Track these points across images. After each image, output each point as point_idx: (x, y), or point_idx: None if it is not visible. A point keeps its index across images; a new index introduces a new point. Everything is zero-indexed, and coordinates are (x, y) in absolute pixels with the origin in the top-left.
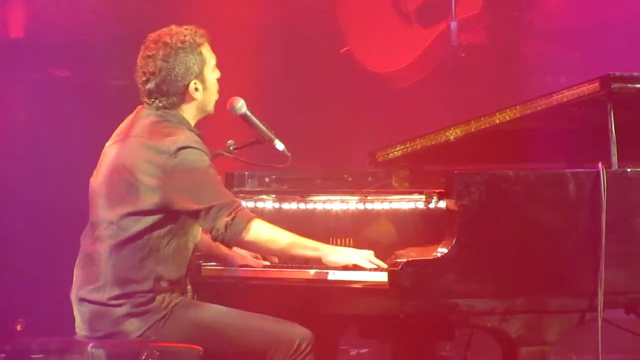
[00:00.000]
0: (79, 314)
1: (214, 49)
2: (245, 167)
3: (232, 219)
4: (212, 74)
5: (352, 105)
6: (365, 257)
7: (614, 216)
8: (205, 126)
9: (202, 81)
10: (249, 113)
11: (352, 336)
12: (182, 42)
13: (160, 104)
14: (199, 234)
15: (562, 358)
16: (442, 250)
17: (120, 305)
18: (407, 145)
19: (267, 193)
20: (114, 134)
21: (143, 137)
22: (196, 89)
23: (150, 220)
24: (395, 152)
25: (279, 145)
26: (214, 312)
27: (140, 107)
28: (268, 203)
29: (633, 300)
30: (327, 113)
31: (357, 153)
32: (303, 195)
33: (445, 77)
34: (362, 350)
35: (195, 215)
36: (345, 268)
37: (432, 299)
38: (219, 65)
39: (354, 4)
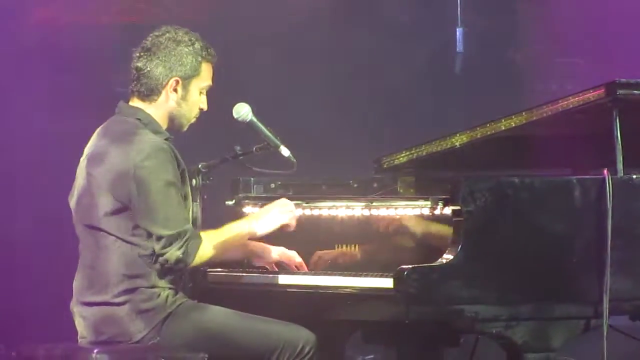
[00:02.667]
0: (83, 320)
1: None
2: (251, 173)
3: (183, 253)
4: (198, 93)
5: (358, 111)
6: (282, 209)
7: (620, 223)
8: (211, 131)
9: (184, 88)
10: (255, 119)
11: (358, 342)
12: (190, 41)
13: (140, 89)
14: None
15: None
16: (447, 257)
17: (124, 302)
18: (413, 151)
19: (273, 199)
20: (100, 131)
21: (119, 141)
22: (174, 90)
23: (131, 223)
24: (401, 158)
25: (285, 152)
26: (218, 314)
27: (121, 102)
28: None
29: (638, 306)
30: (332, 119)
31: (362, 159)
32: (308, 201)
33: (451, 84)
34: (368, 357)
35: (146, 232)
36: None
37: (437, 306)
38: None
39: None
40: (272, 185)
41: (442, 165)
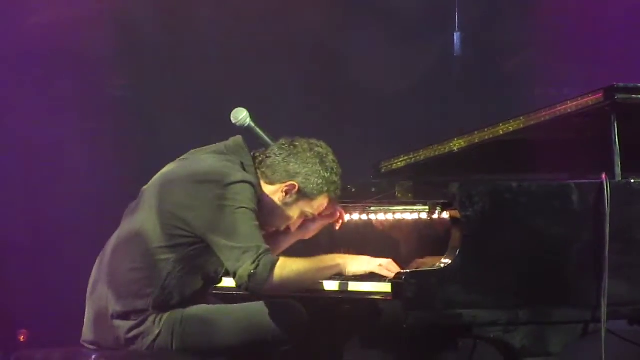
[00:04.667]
0: (88, 313)
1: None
2: None
3: (256, 268)
4: (299, 213)
5: (356, 116)
6: (384, 264)
7: (618, 227)
8: (209, 136)
9: (295, 199)
10: (252, 124)
11: (356, 347)
12: (332, 169)
13: (262, 167)
14: (217, 274)
15: None
16: (445, 261)
17: (118, 326)
18: (411, 156)
19: None
20: (211, 148)
21: (195, 162)
22: (286, 192)
23: (158, 242)
24: (399, 163)
25: None
26: (202, 310)
27: (255, 154)
28: None
29: (637, 311)
30: (330, 123)
31: (360, 164)
32: None
33: (448, 88)
34: None
35: (217, 249)
36: (364, 277)
37: (436, 310)
38: None
39: None
40: None
41: (440, 170)
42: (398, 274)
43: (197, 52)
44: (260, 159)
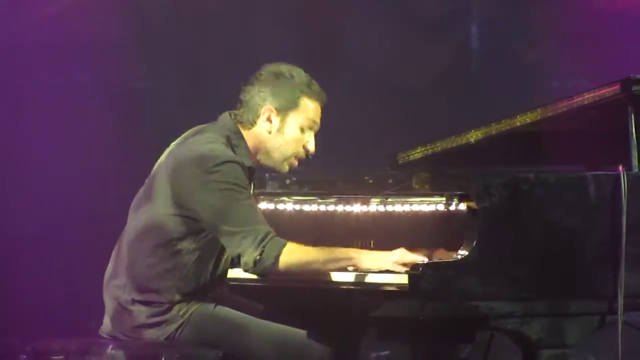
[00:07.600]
0: (106, 308)
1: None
2: (266, 169)
3: (261, 254)
4: (297, 128)
5: (373, 107)
6: (397, 260)
7: (634, 218)
8: None
9: (281, 120)
10: None
11: (372, 338)
12: (290, 75)
13: (241, 118)
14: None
15: None
16: (462, 253)
17: (139, 311)
18: (428, 148)
19: (288, 195)
20: (193, 130)
21: (193, 143)
22: (267, 119)
23: (177, 232)
24: (416, 154)
25: None
26: (236, 312)
27: (226, 113)
28: (289, 205)
29: None
30: (347, 115)
31: (378, 155)
32: (324, 197)
33: (465, 80)
34: (382, 353)
35: (218, 234)
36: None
37: (452, 302)
38: None
39: None
40: (287, 181)
41: (457, 161)
42: (414, 265)
43: (218, 44)
44: (240, 119)
